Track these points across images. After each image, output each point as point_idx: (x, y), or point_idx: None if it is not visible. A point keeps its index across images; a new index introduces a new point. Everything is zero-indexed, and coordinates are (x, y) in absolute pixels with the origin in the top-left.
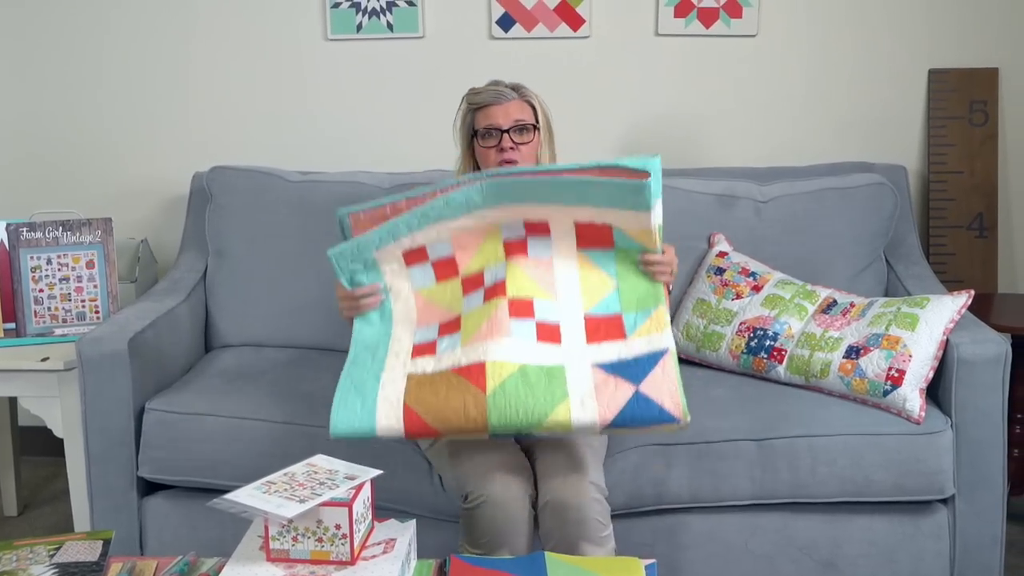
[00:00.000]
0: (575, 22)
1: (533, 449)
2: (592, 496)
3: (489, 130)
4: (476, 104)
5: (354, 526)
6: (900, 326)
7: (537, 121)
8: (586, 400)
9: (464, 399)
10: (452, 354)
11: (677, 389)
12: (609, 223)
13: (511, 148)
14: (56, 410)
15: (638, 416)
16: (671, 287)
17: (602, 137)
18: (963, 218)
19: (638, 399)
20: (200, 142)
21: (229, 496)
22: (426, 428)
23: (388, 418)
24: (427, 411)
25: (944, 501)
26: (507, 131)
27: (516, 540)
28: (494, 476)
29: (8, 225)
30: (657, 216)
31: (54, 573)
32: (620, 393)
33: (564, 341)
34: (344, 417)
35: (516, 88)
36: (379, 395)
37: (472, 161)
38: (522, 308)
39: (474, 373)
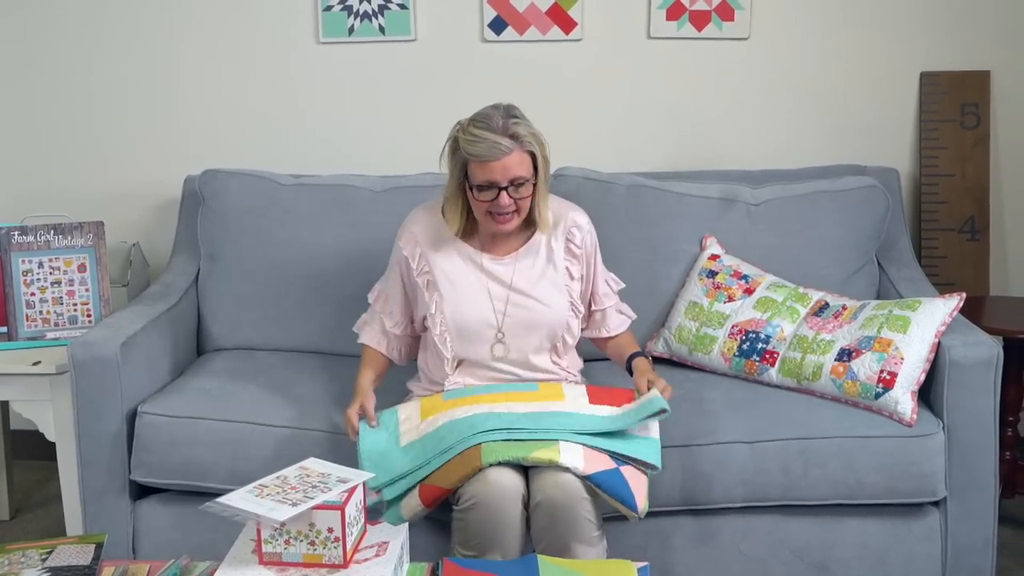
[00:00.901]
0: (567, 25)
1: None
2: (584, 496)
3: (484, 185)
4: (471, 155)
5: (347, 529)
6: (892, 329)
7: (536, 170)
8: (574, 453)
9: (464, 458)
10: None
11: (646, 490)
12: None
13: (509, 204)
14: (48, 414)
15: (612, 485)
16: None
17: (594, 141)
18: (955, 221)
19: (616, 474)
20: (192, 145)
21: (222, 499)
22: (437, 490)
23: (411, 510)
24: (435, 480)
25: (936, 504)
26: (505, 188)
27: (508, 542)
28: (485, 478)
29: None
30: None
31: None
32: (603, 462)
33: (567, 398)
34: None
35: (514, 135)
36: (402, 503)
37: (464, 203)
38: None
39: (471, 452)
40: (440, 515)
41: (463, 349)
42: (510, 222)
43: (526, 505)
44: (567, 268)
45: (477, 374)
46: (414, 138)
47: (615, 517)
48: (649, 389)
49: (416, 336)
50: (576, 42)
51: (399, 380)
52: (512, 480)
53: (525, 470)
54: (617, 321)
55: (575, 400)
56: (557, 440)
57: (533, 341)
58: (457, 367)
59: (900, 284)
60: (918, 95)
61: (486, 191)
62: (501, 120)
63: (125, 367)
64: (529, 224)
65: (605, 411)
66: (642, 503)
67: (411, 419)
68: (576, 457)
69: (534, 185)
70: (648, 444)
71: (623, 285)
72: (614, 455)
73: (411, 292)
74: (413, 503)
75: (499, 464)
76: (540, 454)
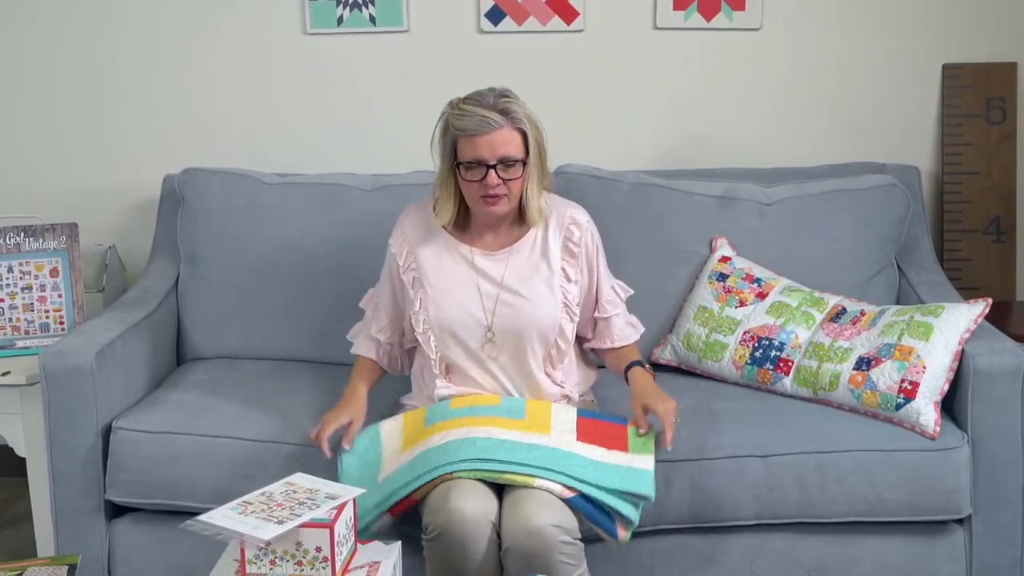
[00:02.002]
0: (568, 15)
1: None
2: (558, 541)
3: (472, 164)
4: (459, 130)
5: (336, 548)
6: (913, 336)
7: (527, 151)
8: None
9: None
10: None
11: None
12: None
13: (497, 185)
14: (18, 427)
15: (591, 511)
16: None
17: (597, 137)
18: (979, 221)
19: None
20: (171, 142)
21: (203, 517)
22: (404, 502)
23: (381, 523)
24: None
25: (960, 521)
26: (493, 167)
27: (479, 573)
28: (449, 508)
29: None
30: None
31: None
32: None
33: (554, 430)
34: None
35: (504, 111)
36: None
37: (455, 190)
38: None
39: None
40: None
41: (450, 349)
42: (499, 203)
43: (500, 532)
44: (563, 269)
45: (467, 380)
46: (406, 134)
47: None
48: (646, 413)
49: (410, 348)
50: (578, 33)
51: (391, 393)
52: (478, 507)
53: (499, 492)
54: (624, 332)
55: (561, 434)
56: (532, 476)
57: (524, 343)
58: (447, 373)
59: (921, 288)
60: (940, 88)
61: (474, 169)
62: (493, 99)
63: (100, 377)
64: (524, 216)
65: (591, 452)
66: (624, 534)
67: (392, 455)
68: (552, 483)
69: (524, 166)
70: (639, 475)
71: (631, 292)
72: (599, 487)
73: (399, 294)
74: (381, 518)
75: (470, 480)
76: (514, 477)
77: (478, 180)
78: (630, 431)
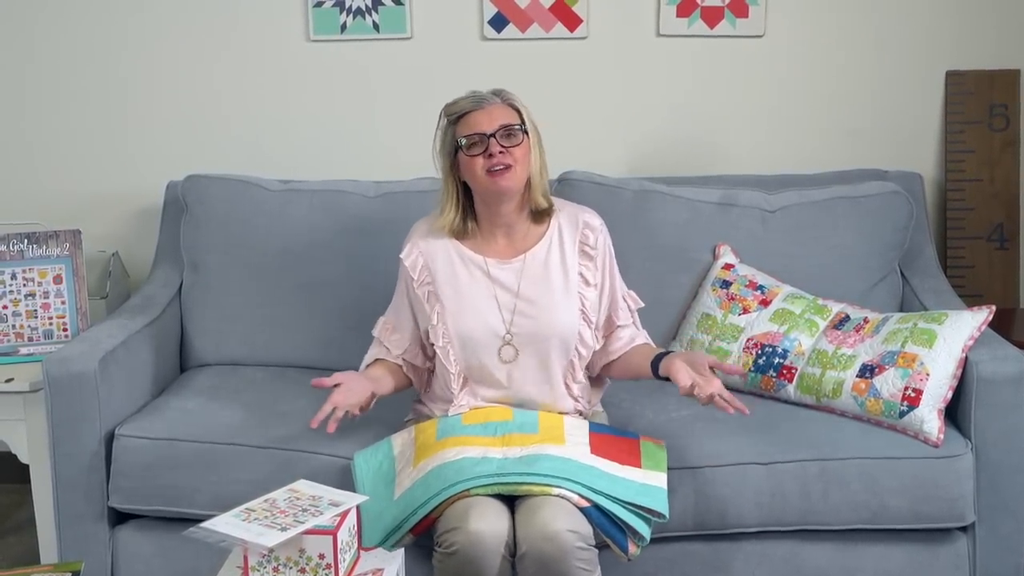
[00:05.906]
0: (572, 22)
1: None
2: (574, 546)
3: (473, 137)
4: (454, 114)
5: (339, 555)
6: (917, 343)
7: (524, 124)
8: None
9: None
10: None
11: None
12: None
13: (501, 153)
14: (21, 434)
15: (605, 525)
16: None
17: (600, 144)
18: (982, 228)
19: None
20: (175, 149)
21: (206, 524)
22: (425, 521)
23: (401, 543)
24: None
25: (964, 529)
26: (493, 135)
27: None
28: (471, 529)
29: None
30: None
31: None
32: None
33: (568, 441)
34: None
35: (497, 93)
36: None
37: (457, 184)
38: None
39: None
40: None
41: (469, 361)
42: (507, 175)
43: (512, 552)
44: (581, 273)
45: (484, 394)
46: (409, 141)
47: None
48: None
49: (428, 368)
50: (581, 40)
51: (401, 402)
52: (494, 527)
53: (511, 508)
54: (624, 342)
55: (575, 446)
56: (550, 485)
57: (545, 351)
58: (464, 386)
59: (924, 295)
60: (943, 95)
61: (476, 145)
62: (485, 91)
63: (103, 384)
64: (538, 221)
65: (606, 465)
66: (634, 548)
67: (405, 469)
68: (569, 492)
69: (526, 134)
70: (653, 492)
71: (642, 305)
72: (615, 500)
73: (416, 307)
74: (403, 537)
75: (485, 496)
76: (531, 488)
77: (481, 153)
78: (642, 445)
